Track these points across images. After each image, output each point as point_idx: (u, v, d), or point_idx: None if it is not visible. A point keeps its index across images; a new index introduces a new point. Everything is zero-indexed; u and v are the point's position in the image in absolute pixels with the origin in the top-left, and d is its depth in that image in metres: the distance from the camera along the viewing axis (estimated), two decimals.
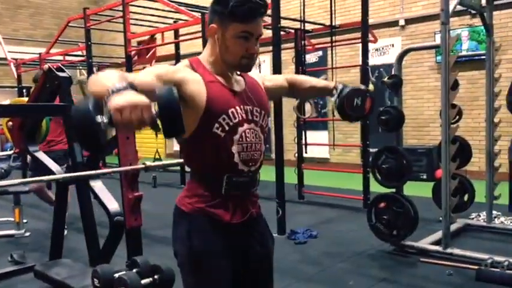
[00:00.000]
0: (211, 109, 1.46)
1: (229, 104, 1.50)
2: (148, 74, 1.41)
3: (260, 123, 1.58)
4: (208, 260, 1.49)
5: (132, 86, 1.20)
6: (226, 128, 1.49)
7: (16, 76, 9.57)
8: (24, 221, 5.10)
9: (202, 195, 1.51)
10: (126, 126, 1.14)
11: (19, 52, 10.07)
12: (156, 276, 2.18)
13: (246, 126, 1.53)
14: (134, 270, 2.25)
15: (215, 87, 1.49)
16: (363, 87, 1.88)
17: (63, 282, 2.53)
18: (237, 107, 1.52)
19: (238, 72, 1.61)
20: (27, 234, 4.87)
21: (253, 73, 1.68)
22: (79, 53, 8.91)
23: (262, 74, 1.84)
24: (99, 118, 1.15)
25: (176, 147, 11.51)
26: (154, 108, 1.18)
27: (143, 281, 2.05)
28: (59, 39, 8.35)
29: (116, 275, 2.13)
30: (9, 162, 7.50)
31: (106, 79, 1.22)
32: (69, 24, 7.61)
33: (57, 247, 3.58)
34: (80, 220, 3.46)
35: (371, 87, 5.98)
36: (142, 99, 1.15)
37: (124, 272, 2.11)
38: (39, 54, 8.75)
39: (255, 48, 1.50)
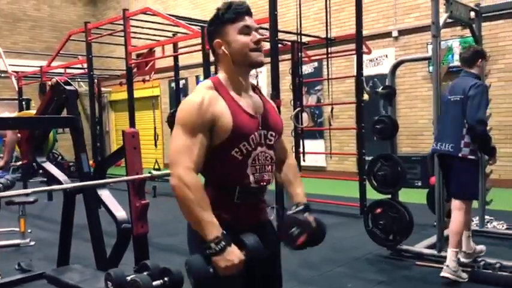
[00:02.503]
0: (235, 136, 1.60)
1: (249, 131, 1.64)
2: (196, 135, 1.57)
3: (273, 146, 1.73)
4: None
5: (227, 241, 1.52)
6: (244, 152, 1.63)
7: (17, 89, 9.69)
8: (29, 230, 5.21)
9: (216, 203, 1.63)
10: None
11: (18, 65, 10.20)
12: (166, 279, 2.29)
13: (259, 149, 1.67)
14: (145, 273, 2.35)
15: (239, 114, 1.62)
16: (311, 221, 1.68)
17: (77, 286, 2.64)
18: (256, 133, 1.66)
19: (257, 93, 1.76)
20: (32, 243, 4.97)
21: (270, 100, 1.84)
22: (78, 65, 9.04)
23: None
24: (210, 269, 1.51)
25: None
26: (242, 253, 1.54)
27: (154, 283, 2.16)
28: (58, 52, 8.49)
29: (129, 278, 2.23)
30: (9, 173, 7.58)
31: (200, 215, 1.53)
32: (70, 38, 7.74)
33: (64, 254, 3.68)
34: (84, 229, 3.58)
35: (365, 96, 6.15)
36: (239, 258, 1.51)
37: (136, 275, 2.22)
38: (40, 67, 8.87)
39: (258, 36, 1.66)
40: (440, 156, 3.71)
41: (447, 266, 3.46)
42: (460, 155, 3.50)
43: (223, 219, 1.62)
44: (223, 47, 1.65)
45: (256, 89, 1.78)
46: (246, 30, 1.64)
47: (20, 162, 4.29)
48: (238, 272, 1.52)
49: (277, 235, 1.77)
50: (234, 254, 1.49)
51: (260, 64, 1.69)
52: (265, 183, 1.70)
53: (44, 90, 8.51)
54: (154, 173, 3.20)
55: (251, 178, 1.65)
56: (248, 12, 1.67)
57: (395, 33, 8.64)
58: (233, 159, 1.62)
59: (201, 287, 1.53)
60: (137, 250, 3.15)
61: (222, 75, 1.70)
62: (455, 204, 3.59)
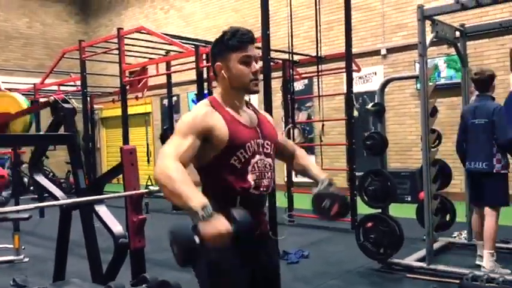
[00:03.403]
0: (232, 145, 1.71)
1: (246, 139, 1.75)
2: (187, 137, 1.65)
3: (270, 154, 1.83)
4: (225, 271, 1.71)
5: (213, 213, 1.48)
6: (242, 160, 1.73)
7: None
8: (22, 247, 5.21)
9: (218, 213, 1.72)
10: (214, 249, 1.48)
11: (10, 82, 10.21)
12: None
13: (257, 157, 1.77)
14: (144, 286, 2.41)
15: (235, 126, 1.74)
16: (337, 192, 1.90)
17: None
18: (252, 141, 1.77)
19: (251, 108, 1.87)
20: (26, 259, 4.98)
21: (266, 114, 1.97)
22: (71, 82, 9.09)
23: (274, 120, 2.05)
24: (196, 238, 1.44)
25: None
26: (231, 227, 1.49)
27: None
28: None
29: None
30: None
31: (184, 189, 1.50)
32: (64, 56, 7.82)
33: (60, 270, 3.72)
34: (78, 246, 3.62)
35: (355, 113, 6.29)
36: (227, 227, 1.46)
37: (136, 287, 2.28)
38: (34, 84, 8.92)
39: (256, 67, 1.78)
40: (473, 174, 4.18)
41: (483, 267, 3.86)
42: (494, 171, 4.00)
43: None
44: (223, 71, 1.77)
45: (249, 104, 1.89)
46: (247, 60, 1.75)
47: None
48: (224, 245, 1.48)
49: (276, 250, 1.88)
50: (221, 223, 1.47)
51: (256, 92, 1.81)
52: (264, 189, 1.79)
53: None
54: (152, 188, 3.26)
55: (252, 184, 1.74)
56: (252, 41, 1.77)
57: (383, 51, 8.84)
58: (233, 168, 1.72)
59: (184, 258, 1.47)
60: (134, 264, 3.20)
61: (218, 94, 1.81)
62: (487, 211, 4.04)
